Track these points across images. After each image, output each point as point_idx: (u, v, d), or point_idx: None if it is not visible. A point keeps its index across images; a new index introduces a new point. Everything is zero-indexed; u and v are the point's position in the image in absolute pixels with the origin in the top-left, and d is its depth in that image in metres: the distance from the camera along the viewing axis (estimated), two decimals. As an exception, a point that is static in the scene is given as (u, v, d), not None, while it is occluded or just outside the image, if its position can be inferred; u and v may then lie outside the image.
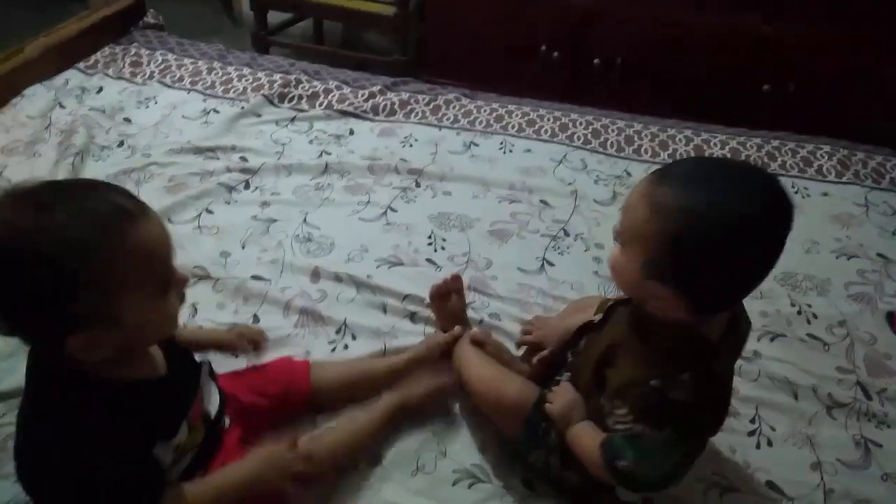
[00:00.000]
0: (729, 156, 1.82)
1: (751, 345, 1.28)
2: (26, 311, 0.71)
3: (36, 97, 1.87)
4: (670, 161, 1.81)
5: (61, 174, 1.58)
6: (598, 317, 1.00)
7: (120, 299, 0.72)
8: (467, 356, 1.14)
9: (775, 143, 1.88)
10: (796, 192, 1.71)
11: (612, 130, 1.93)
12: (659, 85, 2.40)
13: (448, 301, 1.25)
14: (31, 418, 0.78)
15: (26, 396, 0.80)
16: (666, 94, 2.37)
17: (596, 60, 2.40)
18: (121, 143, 1.74)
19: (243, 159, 1.71)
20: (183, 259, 1.37)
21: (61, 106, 1.84)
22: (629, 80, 2.41)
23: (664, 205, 0.77)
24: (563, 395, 0.97)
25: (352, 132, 1.85)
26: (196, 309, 1.29)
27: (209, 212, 1.55)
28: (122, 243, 0.71)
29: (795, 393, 1.20)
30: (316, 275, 1.39)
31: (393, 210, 1.59)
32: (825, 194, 1.70)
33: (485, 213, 1.60)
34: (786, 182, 1.73)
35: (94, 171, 1.63)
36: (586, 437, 0.91)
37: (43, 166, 1.62)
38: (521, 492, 1.03)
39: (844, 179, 1.75)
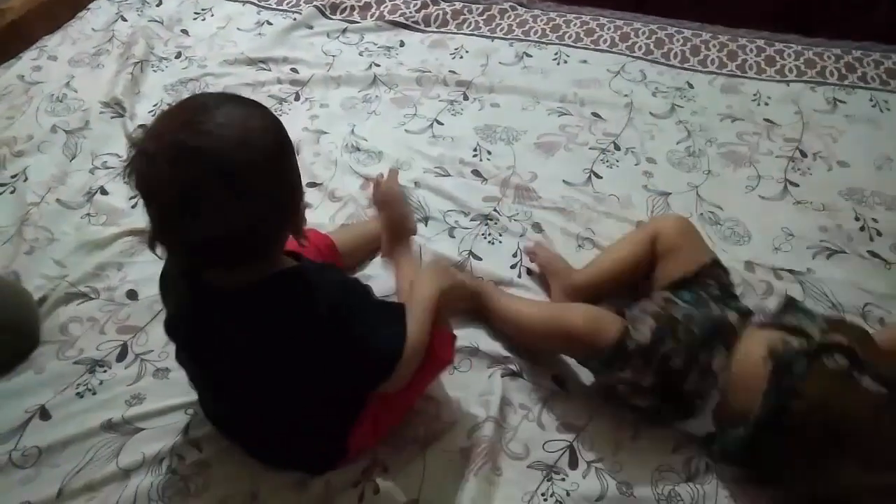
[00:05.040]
0: (801, 67, 1.70)
1: (803, 261, 1.23)
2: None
3: (101, 11, 1.93)
4: (737, 72, 1.71)
5: (121, 84, 1.64)
6: None
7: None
8: (505, 299, 1.12)
9: (857, 53, 1.72)
10: (874, 106, 1.57)
11: (678, 40, 1.82)
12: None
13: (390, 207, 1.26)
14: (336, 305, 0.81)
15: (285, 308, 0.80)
16: (744, 4, 2.19)
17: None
18: (178, 55, 1.78)
19: (294, 71, 1.72)
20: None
21: (123, 19, 1.89)
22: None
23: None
24: None
25: (402, 44, 1.82)
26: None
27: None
28: None
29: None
30: (366, 184, 1.41)
31: (439, 123, 1.57)
32: (908, 108, 1.56)
33: (533, 125, 1.56)
34: (863, 95, 1.61)
35: (152, 81, 1.69)
36: None
37: (105, 77, 1.68)
38: (550, 388, 1.04)
39: (934, 91, 1.60)
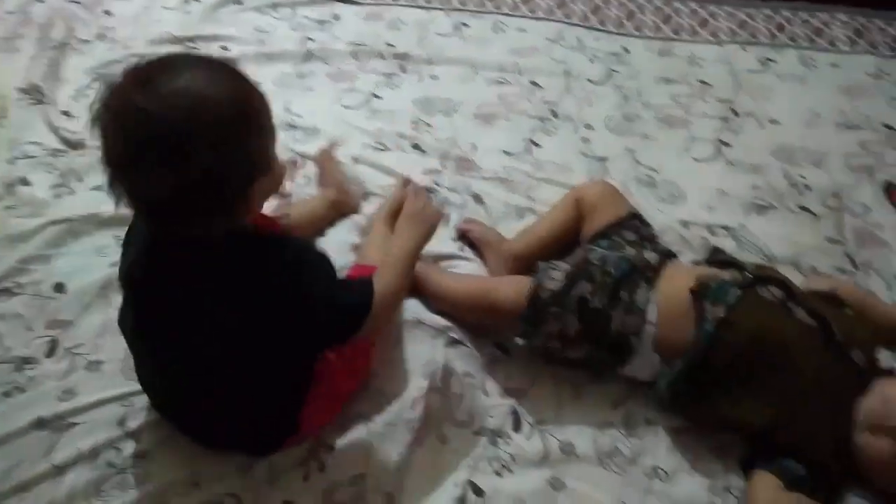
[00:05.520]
0: (734, 28, 1.73)
1: (736, 217, 1.25)
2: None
3: (14, -8, 1.82)
4: (672, 35, 1.73)
5: (39, 69, 1.56)
6: None
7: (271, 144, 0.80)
8: (437, 277, 1.11)
9: (787, 13, 1.76)
10: (803, 64, 1.61)
11: (613, 5, 1.82)
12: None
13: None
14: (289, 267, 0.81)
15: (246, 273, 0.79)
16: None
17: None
18: (101, 36, 1.70)
19: (224, 48, 1.66)
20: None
21: (39, 0, 1.79)
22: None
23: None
24: None
25: (336, 17, 1.77)
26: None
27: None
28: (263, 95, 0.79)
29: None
30: (302, 162, 1.37)
31: (377, 97, 1.55)
32: (834, 65, 1.60)
33: (471, 96, 1.54)
34: (793, 54, 1.64)
35: (74, 64, 1.61)
36: None
37: (21, 62, 1.59)
38: (492, 354, 1.05)
39: (858, 49, 1.65)
